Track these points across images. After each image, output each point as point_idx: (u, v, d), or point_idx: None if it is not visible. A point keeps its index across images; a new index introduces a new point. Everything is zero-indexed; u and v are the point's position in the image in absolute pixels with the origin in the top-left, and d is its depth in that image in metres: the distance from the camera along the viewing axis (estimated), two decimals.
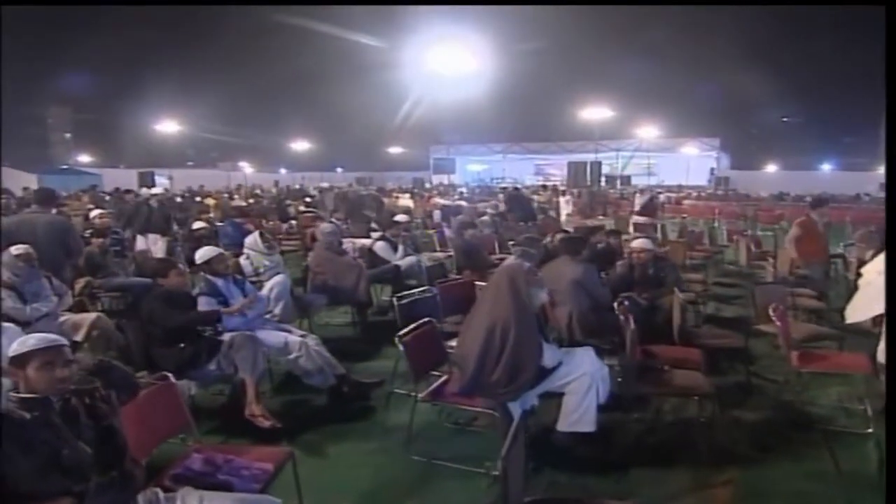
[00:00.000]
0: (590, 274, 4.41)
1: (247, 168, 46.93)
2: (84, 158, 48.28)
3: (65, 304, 4.45)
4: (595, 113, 29.65)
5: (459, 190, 26.52)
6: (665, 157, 39.72)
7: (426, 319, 3.55)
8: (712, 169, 37.55)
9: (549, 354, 3.19)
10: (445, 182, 41.52)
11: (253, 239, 5.01)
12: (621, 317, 3.87)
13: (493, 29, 24.54)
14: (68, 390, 2.00)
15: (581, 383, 3.24)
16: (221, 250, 4.14)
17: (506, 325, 3.08)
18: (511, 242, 8.00)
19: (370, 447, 3.49)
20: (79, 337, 4.23)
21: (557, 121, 40.55)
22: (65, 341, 2.01)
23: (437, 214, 12.29)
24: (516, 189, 17.63)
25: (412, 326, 3.39)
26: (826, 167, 34.86)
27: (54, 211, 5.53)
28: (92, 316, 4.30)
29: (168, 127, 32.16)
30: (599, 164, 24.71)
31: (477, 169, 49.48)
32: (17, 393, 1.95)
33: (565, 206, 16.16)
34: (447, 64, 25.75)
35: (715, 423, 3.67)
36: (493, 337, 3.08)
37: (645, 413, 3.80)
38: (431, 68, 27.87)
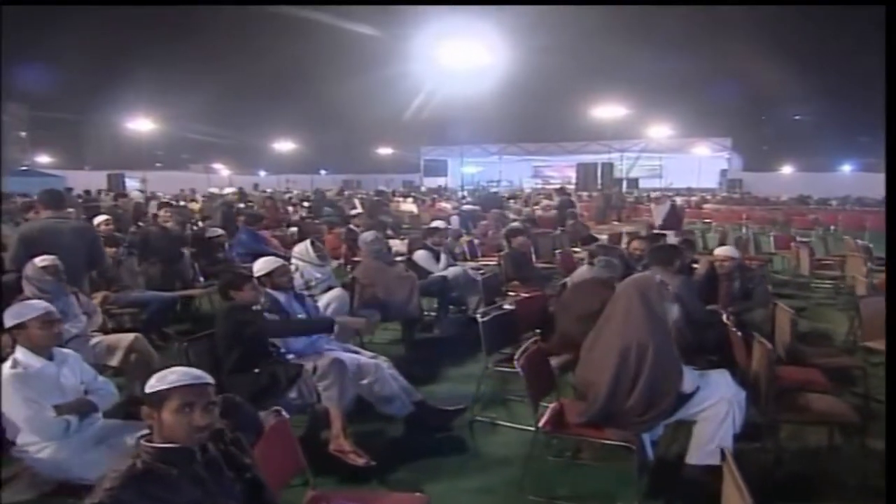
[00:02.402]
0: (687, 287, 4.26)
1: (223, 170, 46.40)
2: (43, 159, 47.29)
3: (95, 324, 4.19)
4: (600, 112, 29.74)
5: (461, 194, 26.35)
6: (673, 159, 39.99)
7: (534, 339, 3.36)
8: (723, 170, 37.81)
9: (688, 378, 3.02)
10: (441, 184, 41.45)
11: (304, 248, 4.77)
12: (737, 333, 3.72)
13: (494, 24, 24.47)
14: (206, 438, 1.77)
15: (717, 410, 3.07)
16: (284, 261, 3.91)
17: (641, 346, 2.90)
18: (558, 252, 7.87)
19: (472, 485, 3.29)
20: (114, 362, 3.97)
21: (558, 120, 40.62)
22: (209, 379, 1.78)
23: (454, 220, 12.09)
24: (567, 193, 17.73)
25: (524, 346, 3.19)
26: (846, 168, 35.28)
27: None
28: (129, 337, 4.04)
29: (140, 125, 31.61)
30: (611, 165, 24.77)
31: (471, 171, 49.34)
32: (151, 441, 1.72)
33: None
34: (445, 60, 25.66)
35: (846, 453, 3.52)
36: (628, 360, 2.91)
37: (765, 441, 3.64)
38: (427, 64, 27.80)
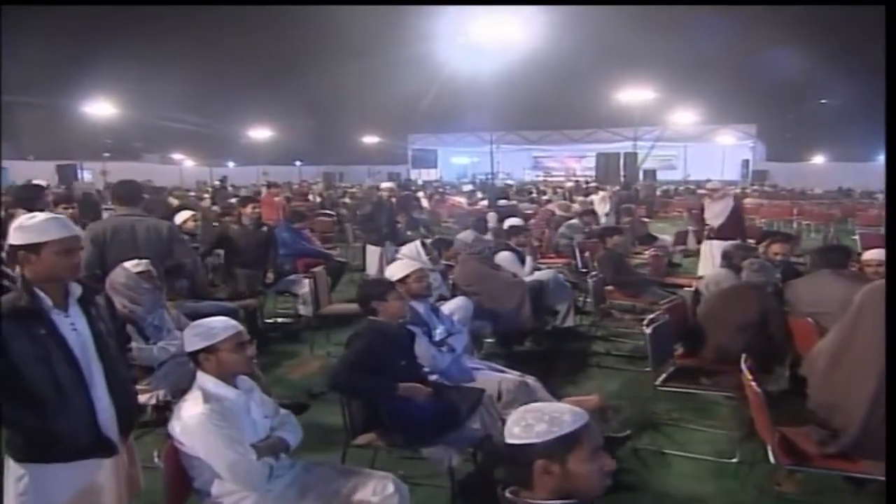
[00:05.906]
0: None
1: (185, 160, 45.44)
2: None
3: None
4: (622, 96, 29.63)
5: (467, 188, 26.23)
6: (690, 147, 40.30)
7: (680, 353, 3.22)
8: (746, 161, 38.08)
9: None
10: (431, 176, 41.28)
11: (414, 249, 4.57)
12: None
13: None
14: None
15: None
16: (420, 265, 3.72)
17: None
18: (649, 253, 7.75)
19: None
20: None
21: (562, 105, 40.47)
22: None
23: (491, 217, 11.95)
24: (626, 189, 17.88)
25: (743, 361, 3.05)
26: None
27: None
28: None
29: (100, 110, 30.87)
30: (635, 155, 24.82)
31: (464, 162, 49.23)
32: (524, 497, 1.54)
33: (601, 205, 16.02)
34: (440, 42, 25.45)
35: None
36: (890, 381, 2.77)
37: None
38: (421, 48, 27.57)
